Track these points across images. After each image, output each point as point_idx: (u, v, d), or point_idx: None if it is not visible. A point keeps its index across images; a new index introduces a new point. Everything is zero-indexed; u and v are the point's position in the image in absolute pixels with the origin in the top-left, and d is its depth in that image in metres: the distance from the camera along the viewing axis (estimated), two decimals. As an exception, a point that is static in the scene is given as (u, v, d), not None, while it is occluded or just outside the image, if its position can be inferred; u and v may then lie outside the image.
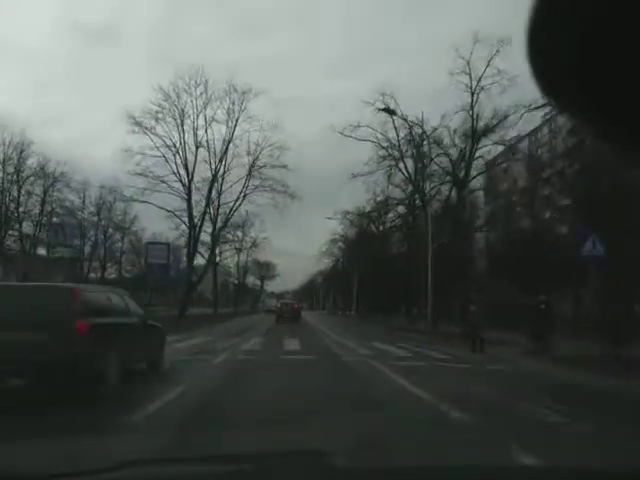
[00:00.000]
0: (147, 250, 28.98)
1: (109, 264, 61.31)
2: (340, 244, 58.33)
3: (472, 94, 25.74)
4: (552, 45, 0.61)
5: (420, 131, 28.16)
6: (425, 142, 27.83)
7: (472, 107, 26.05)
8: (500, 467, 2.47)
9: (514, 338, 19.57)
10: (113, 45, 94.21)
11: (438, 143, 27.37)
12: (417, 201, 33.16)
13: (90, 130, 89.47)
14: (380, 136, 30.16)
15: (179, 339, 17.09)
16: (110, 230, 59.38)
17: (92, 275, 61.33)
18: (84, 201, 55.91)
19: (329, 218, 45.61)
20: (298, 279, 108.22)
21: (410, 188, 33.38)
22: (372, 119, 30.00)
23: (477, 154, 26.95)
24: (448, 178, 28.41)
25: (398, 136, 29.98)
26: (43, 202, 53.38)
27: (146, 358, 9.78)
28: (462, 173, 27.15)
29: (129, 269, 61.43)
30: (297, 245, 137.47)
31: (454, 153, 27.54)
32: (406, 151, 30.40)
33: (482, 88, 25.37)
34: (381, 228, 42.37)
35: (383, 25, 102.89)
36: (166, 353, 10.92)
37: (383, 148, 30.46)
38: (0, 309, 7.20)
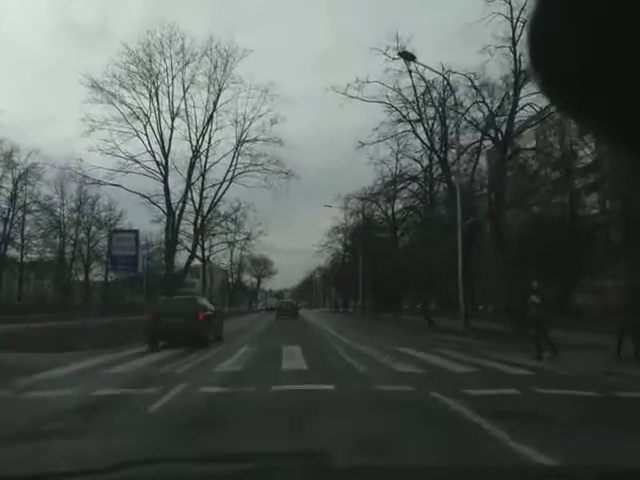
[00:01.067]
0: (111, 240, 23.43)
1: (94, 264, 56.19)
2: (340, 235, 53.33)
3: (513, 28, 19.75)
4: (553, 45, 0.62)
5: (444, 83, 22.71)
6: (451, 97, 22.43)
7: (514, 43, 19.85)
8: (501, 467, 2.41)
9: (568, 336, 15.28)
10: (105, 42, 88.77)
11: (475, 87, 21.59)
12: (436, 175, 27.94)
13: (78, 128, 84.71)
14: (392, 93, 24.54)
15: (135, 355, 13.36)
16: (93, 228, 54.27)
17: (76, 279, 56.42)
18: (62, 196, 50.88)
19: (328, 206, 43.18)
20: (296, 276, 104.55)
21: (426, 162, 28.11)
22: (383, 76, 24.59)
23: (521, 103, 21.03)
24: (479, 136, 22.89)
25: (416, 93, 24.32)
26: (13, 197, 48.07)
27: (216, 333, 17.55)
28: (503, 127, 21.46)
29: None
30: (295, 242, 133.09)
31: (488, 106, 21.89)
32: (424, 111, 24.82)
33: (526, 20, 19.62)
34: (390, 212, 36.93)
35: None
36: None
37: (397, 110, 24.91)
38: (171, 309, 15.93)
